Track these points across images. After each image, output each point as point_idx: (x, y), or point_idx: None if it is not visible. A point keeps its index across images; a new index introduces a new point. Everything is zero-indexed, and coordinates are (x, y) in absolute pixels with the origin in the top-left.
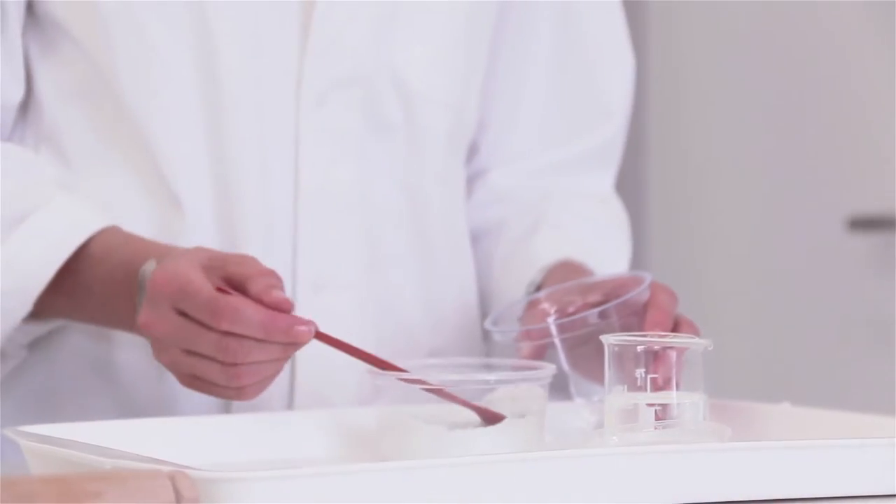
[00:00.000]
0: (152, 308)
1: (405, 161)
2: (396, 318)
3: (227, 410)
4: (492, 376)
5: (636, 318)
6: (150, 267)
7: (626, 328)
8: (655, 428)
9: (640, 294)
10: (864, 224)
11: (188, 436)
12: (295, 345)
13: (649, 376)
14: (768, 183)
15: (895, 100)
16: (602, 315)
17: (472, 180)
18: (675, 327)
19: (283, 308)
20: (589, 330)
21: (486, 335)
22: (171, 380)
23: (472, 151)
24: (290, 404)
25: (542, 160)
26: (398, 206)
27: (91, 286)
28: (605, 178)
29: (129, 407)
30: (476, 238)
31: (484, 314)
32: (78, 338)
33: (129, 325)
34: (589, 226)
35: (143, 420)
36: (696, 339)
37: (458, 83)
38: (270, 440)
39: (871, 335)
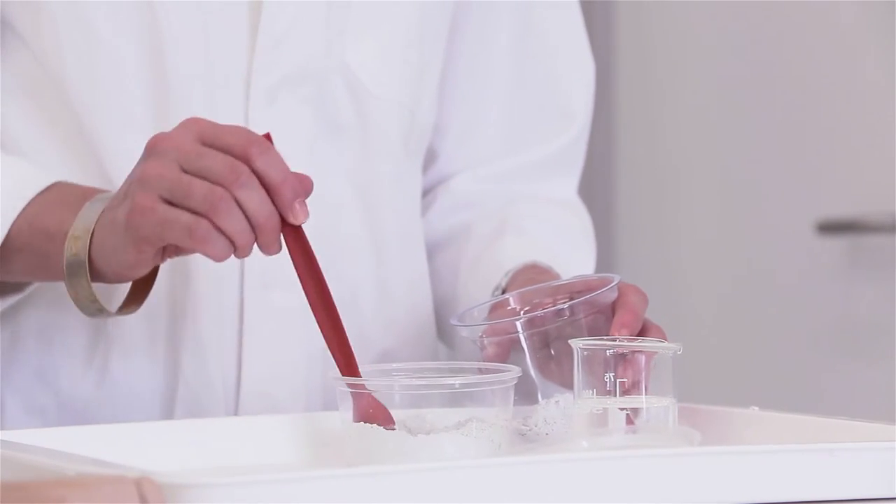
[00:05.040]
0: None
1: (358, 160)
2: (348, 317)
3: (169, 415)
4: (456, 381)
5: (604, 317)
6: (110, 193)
7: (593, 327)
8: (625, 432)
9: (607, 293)
10: (832, 228)
11: (152, 441)
12: (290, 225)
13: (618, 380)
14: (738, 187)
15: (864, 105)
16: (569, 313)
17: (432, 188)
18: (643, 331)
19: (305, 180)
20: (556, 325)
21: (444, 337)
22: (110, 385)
23: (430, 158)
24: (236, 405)
25: (505, 165)
26: (350, 206)
27: (27, 209)
28: (569, 182)
29: (70, 410)
30: (441, 245)
31: (443, 319)
32: (20, 339)
33: (54, 235)
34: (554, 230)
35: (105, 426)
36: (666, 343)
37: (412, 82)
38: (235, 445)
39: (840, 338)
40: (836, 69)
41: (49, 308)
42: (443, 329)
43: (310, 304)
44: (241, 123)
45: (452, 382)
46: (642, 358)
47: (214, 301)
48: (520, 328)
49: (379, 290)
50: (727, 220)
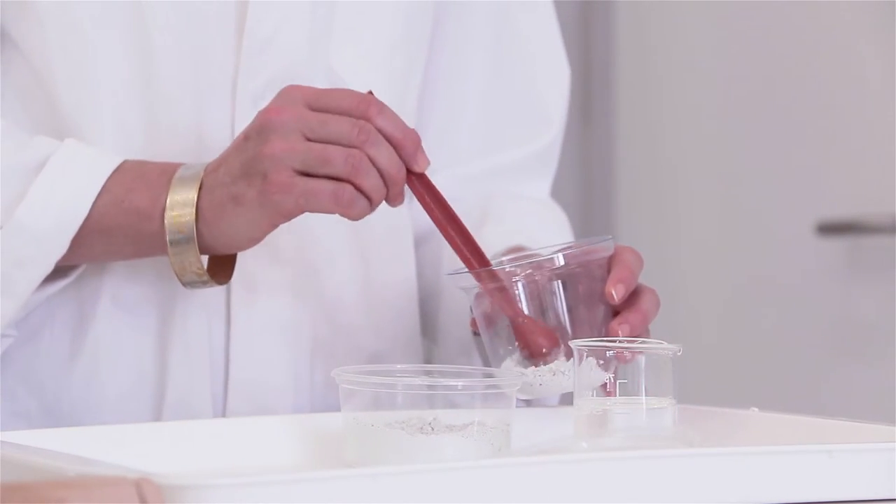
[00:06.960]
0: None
1: None
2: (335, 320)
3: (158, 415)
4: (459, 382)
5: (601, 271)
6: (191, 166)
7: (590, 276)
8: (625, 434)
9: (602, 245)
10: (832, 229)
11: (152, 442)
12: (407, 175)
13: (618, 381)
14: (738, 188)
15: (864, 105)
16: (565, 262)
17: None
18: (637, 293)
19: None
20: (556, 273)
21: (427, 332)
22: (97, 387)
23: None
24: (224, 405)
25: (480, 166)
26: None
27: (110, 189)
28: (544, 185)
29: (55, 412)
30: (422, 239)
31: (426, 314)
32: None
33: (150, 213)
34: (533, 221)
35: (102, 427)
36: (666, 345)
37: (398, 84)
38: (234, 447)
39: (840, 339)
40: (836, 69)
41: (33, 309)
42: (426, 324)
43: (442, 232)
44: (227, 126)
45: (455, 384)
46: (642, 359)
47: (202, 301)
48: (518, 276)
49: (366, 291)
50: (727, 221)
